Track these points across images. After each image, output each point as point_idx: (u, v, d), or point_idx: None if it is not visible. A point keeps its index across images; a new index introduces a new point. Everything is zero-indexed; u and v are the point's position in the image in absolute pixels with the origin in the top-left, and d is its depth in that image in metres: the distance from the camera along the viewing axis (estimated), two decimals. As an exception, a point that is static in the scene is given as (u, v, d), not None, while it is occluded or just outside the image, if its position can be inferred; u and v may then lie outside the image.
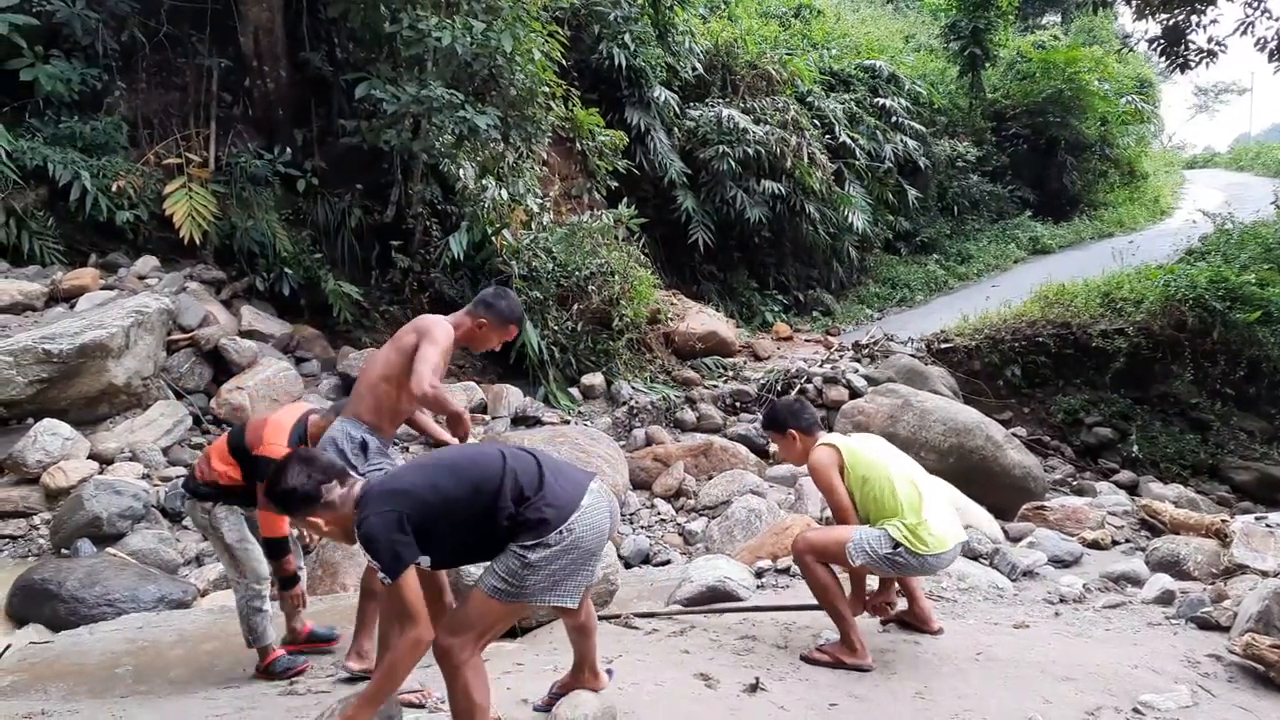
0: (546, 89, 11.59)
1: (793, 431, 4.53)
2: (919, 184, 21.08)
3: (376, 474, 3.83)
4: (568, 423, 9.98)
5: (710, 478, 8.86)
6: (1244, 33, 15.12)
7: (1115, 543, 7.16)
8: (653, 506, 8.61)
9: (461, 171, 11.16)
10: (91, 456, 7.65)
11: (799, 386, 11.56)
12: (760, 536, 6.50)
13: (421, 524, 3.07)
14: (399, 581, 3.01)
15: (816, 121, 18.47)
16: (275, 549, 4.73)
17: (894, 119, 20.78)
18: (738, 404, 11.47)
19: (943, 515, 4.29)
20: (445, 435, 4.81)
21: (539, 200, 12.28)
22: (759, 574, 5.80)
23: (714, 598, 5.34)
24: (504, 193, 11.55)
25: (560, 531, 3.16)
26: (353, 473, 3.38)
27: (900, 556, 4.16)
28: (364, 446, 4.23)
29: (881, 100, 20.87)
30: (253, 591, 4.73)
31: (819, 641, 4.50)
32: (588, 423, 10.40)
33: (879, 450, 4.47)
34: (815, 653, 4.32)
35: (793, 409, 4.62)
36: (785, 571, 5.89)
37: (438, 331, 4.20)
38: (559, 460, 3.47)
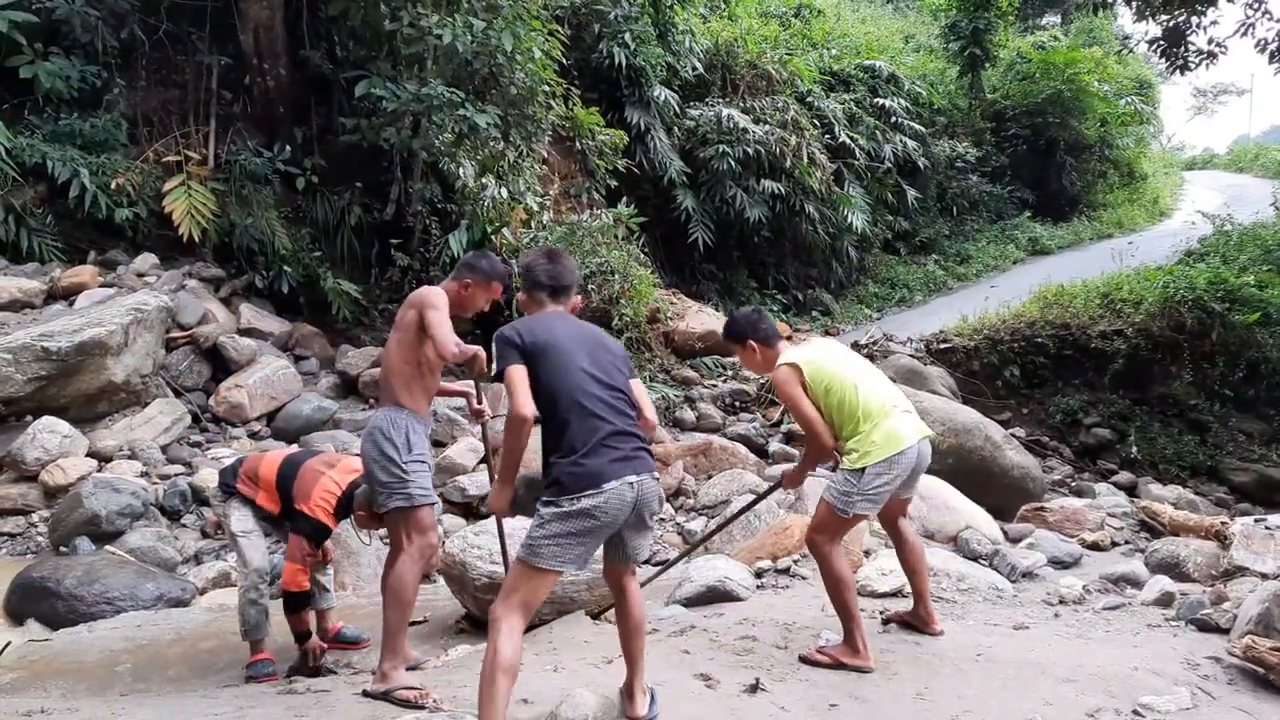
0: (546, 88, 11.58)
1: (752, 342, 4.61)
2: (918, 184, 21.07)
3: (419, 468, 4.23)
4: (567, 422, 9.96)
5: (709, 477, 8.84)
6: (1244, 34, 15.11)
7: (1115, 544, 7.17)
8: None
9: (461, 170, 11.14)
10: (90, 454, 7.64)
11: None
12: (760, 536, 6.49)
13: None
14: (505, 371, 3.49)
15: (816, 121, 18.46)
16: (292, 603, 4.88)
17: (894, 119, 20.77)
18: (737, 403, 11.46)
19: (902, 414, 4.45)
20: (455, 387, 5.38)
21: (539, 199, 12.26)
22: (759, 574, 5.80)
23: (713, 597, 5.34)
24: (504, 191, 11.53)
25: (574, 498, 3.33)
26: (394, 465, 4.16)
27: (875, 474, 4.26)
28: (407, 440, 4.25)
29: (881, 100, 20.87)
30: (249, 583, 4.83)
31: (820, 642, 4.49)
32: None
33: (837, 359, 4.53)
34: (815, 654, 4.32)
35: (751, 319, 4.69)
36: (785, 572, 5.89)
37: (433, 297, 4.23)
38: (628, 439, 3.50)
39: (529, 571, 3.37)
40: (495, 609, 3.36)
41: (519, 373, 3.46)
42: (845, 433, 4.38)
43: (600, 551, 3.66)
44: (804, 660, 4.30)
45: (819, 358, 4.49)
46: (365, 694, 3.97)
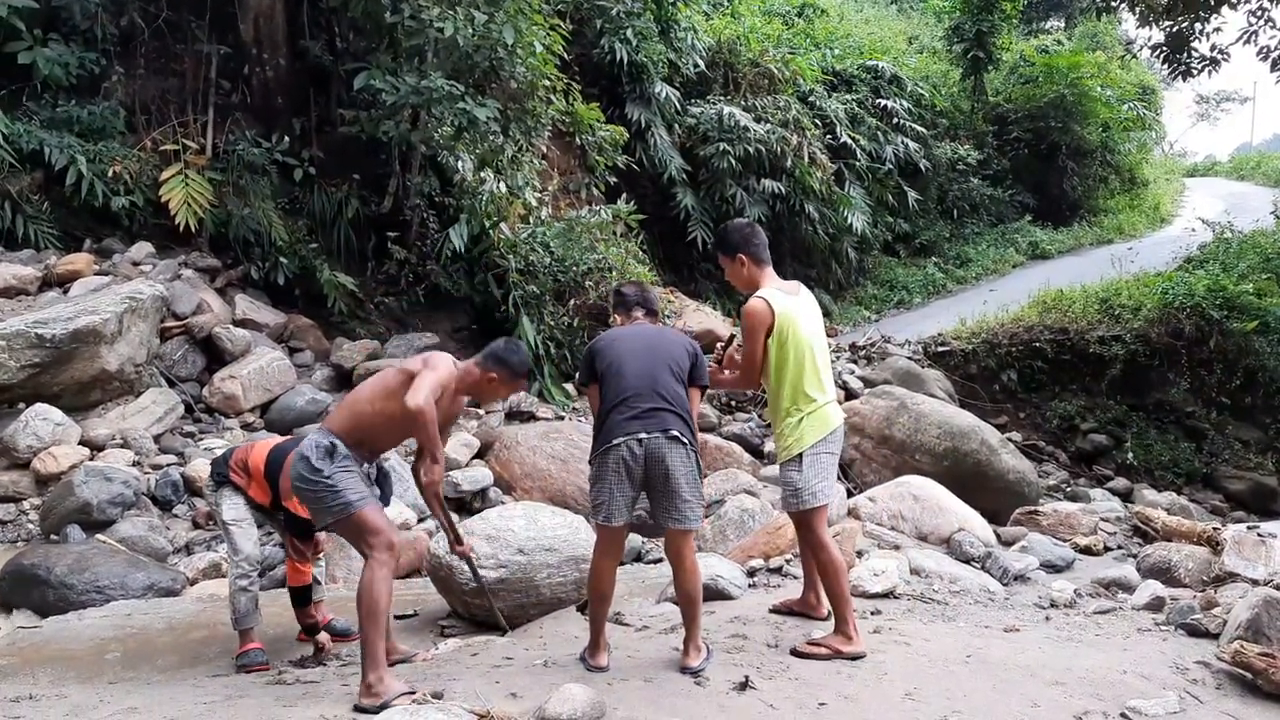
0: (547, 83, 11.54)
1: (742, 256, 4.60)
2: (919, 186, 21.05)
3: (346, 475, 4.05)
4: (562, 419, 9.95)
5: (705, 475, 8.84)
6: (1247, 41, 15.11)
7: (1107, 549, 7.17)
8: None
9: (460, 164, 11.12)
10: (83, 443, 7.61)
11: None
12: (753, 536, 6.49)
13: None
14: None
15: (818, 121, 18.44)
16: (295, 598, 5.04)
17: (895, 120, 20.75)
18: (733, 403, 11.45)
19: (834, 405, 4.62)
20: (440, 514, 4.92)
21: (537, 194, 12.24)
22: (751, 573, 5.79)
23: (705, 595, 5.30)
24: (502, 186, 11.50)
25: (598, 454, 4.09)
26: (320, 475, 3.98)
27: (813, 458, 4.42)
28: (331, 451, 4.07)
29: (883, 101, 20.84)
30: (240, 570, 4.87)
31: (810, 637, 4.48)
32: (582, 419, 10.37)
33: (807, 324, 4.54)
34: (808, 646, 4.32)
35: (744, 233, 4.67)
36: (777, 571, 5.88)
37: (442, 363, 4.16)
38: (656, 398, 4.09)
39: (596, 528, 4.30)
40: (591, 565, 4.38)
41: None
42: (783, 402, 4.48)
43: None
44: (796, 654, 4.29)
45: (794, 313, 4.49)
46: (358, 709, 3.79)
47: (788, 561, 5.97)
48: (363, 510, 3.99)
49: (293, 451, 4.23)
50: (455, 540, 4.91)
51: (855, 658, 4.25)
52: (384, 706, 3.65)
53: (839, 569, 4.41)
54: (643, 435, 4.02)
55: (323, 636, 5.08)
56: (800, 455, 4.42)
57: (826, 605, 4.77)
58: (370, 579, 3.92)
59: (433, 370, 4.07)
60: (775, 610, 4.94)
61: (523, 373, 4.46)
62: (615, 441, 4.03)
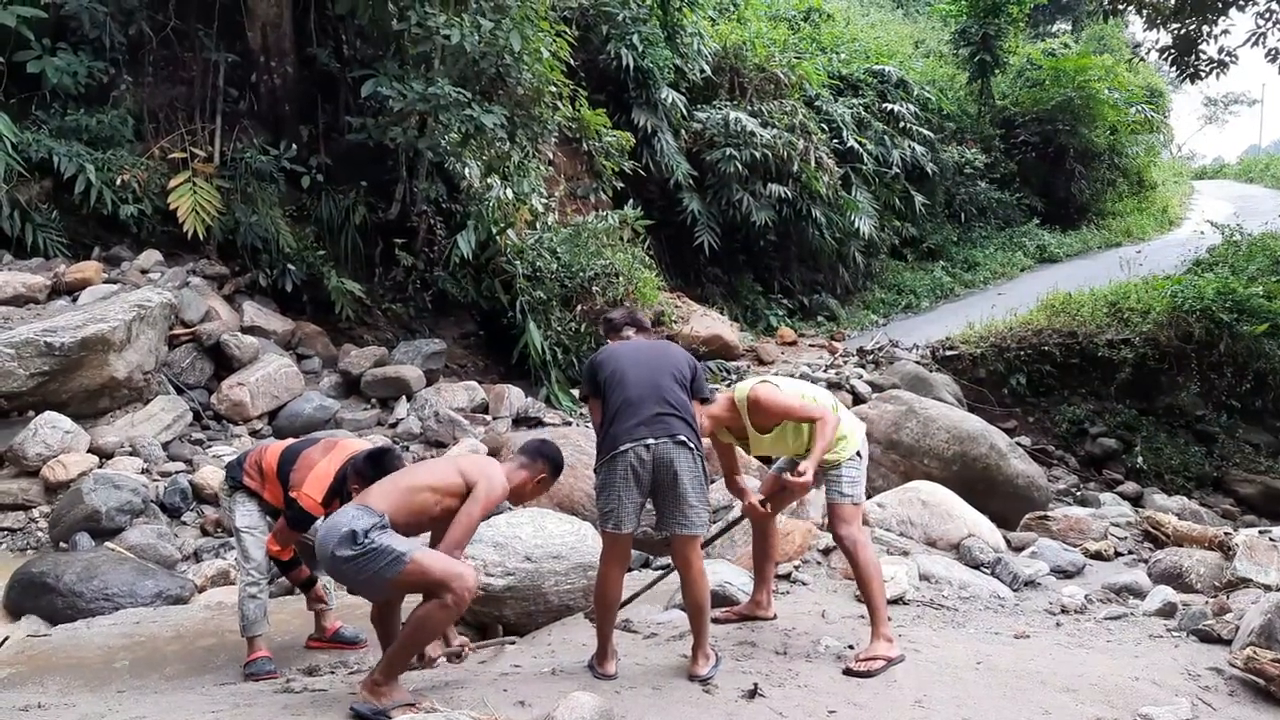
0: (554, 88, 11.56)
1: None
2: (926, 190, 21.01)
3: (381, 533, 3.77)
4: (569, 424, 9.95)
5: (712, 481, 8.82)
6: (1255, 44, 15.04)
7: (1118, 554, 7.11)
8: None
9: (467, 170, 11.13)
10: (91, 450, 7.64)
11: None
12: (761, 541, 6.45)
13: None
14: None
15: (824, 126, 18.43)
16: (284, 566, 5.05)
17: (902, 124, 20.72)
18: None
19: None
20: None
21: (544, 200, 12.25)
22: (759, 579, 5.76)
23: (714, 602, 5.29)
24: (509, 192, 11.52)
25: (606, 461, 4.09)
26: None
27: (863, 457, 4.69)
28: (356, 519, 3.79)
29: (890, 105, 20.82)
30: (250, 578, 4.87)
31: (819, 648, 4.47)
32: (589, 425, 10.36)
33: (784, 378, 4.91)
34: (861, 663, 4.20)
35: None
36: (785, 577, 5.86)
37: (499, 489, 4.03)
38: (662, 404, 4.12)
39: (600, 532, 4.32)
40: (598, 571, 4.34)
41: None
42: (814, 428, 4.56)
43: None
44: (851, 673, 4.17)
45: (772, 377, 4.87)
46: (354, 711, 3.75)
47: (796, 568, 5.95)
48: (414, 561, 3.70)
49: (332, 525, 3.87)
50: None
51: (901, 661, 4.28)
52: (380, 713, 3.66)
53: (878, 570, 4.50)
54: (650, 441, 4.03)
55: (318, 588, 5.15)
56: (857, 452, 4.62)
57: (773, 608, 4.97)
58: (430, 613, 3.74)
59: (490, 485, 3.96)
60: (718, 620, 4.82)
61: (563, 465, 4.39)
62: (623, 448, 4.03)
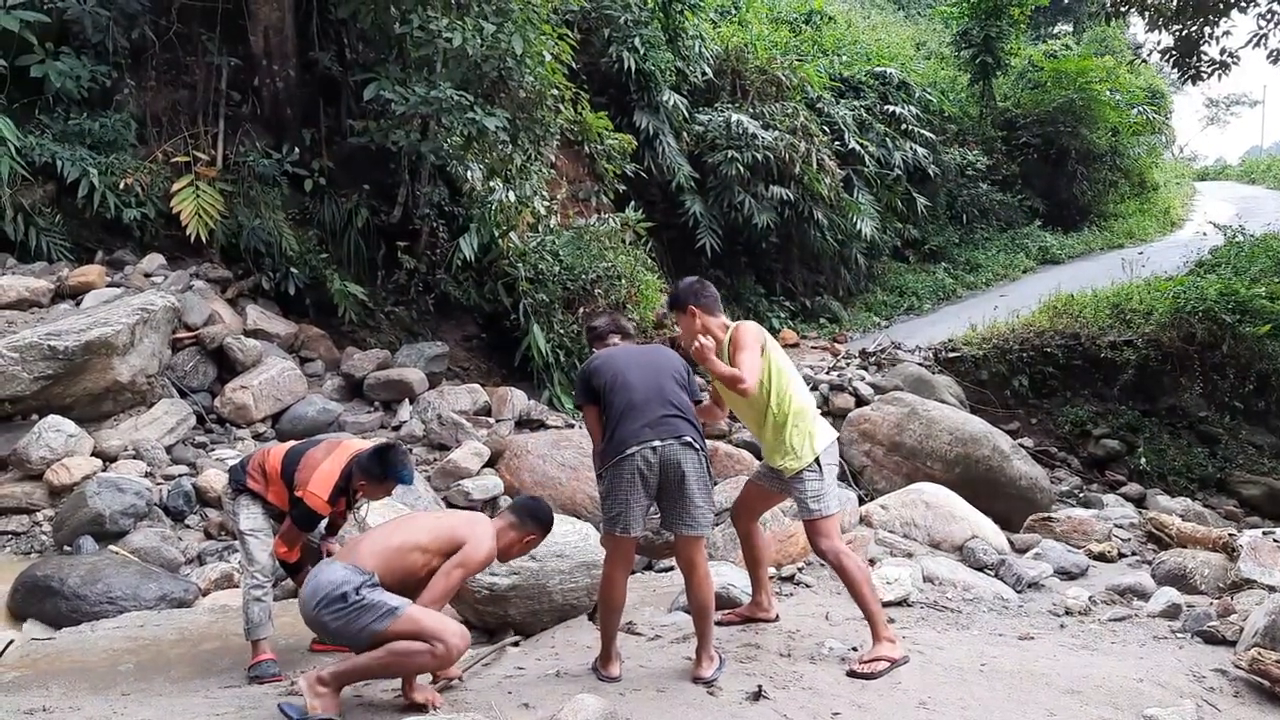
0: (556, 91, 11.57)
1: (694, 309, 4.64)
2: (928, 192, 21.00)
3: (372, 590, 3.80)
4: (571, 426, 9.95)
5: (715, 483, 8.83)
6: (1257, 45, 15.05)
7: (1121, 555, 7.12)
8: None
9: (469, 173, 11.14)
10: (95, 454, 7.64)
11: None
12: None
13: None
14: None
15: (826, 128, 18.41)
16: (290, 569, 5.09)
17: (904, 126, 20.71)
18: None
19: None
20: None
21: (546, 203, 12.26)
22: (762, 581, 5.76)
23: (718, 604, 5.30)
24: (511, 195, 11.51)
25: (612, 465, 4.07)
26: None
27: (827, 464, 4.55)
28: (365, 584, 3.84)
29: (891, 107, 20.81)
30: (254, 581, 4.88)
31: (823, 650, 4.47)
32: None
33: (784, 354, 4.73)
34: (864, 665, 4.22)
35: (694, 287, 4.74)
36: (789, 579, 5.87)
37: (482, 552, 4.03)
38: (666, 406, 4.14)
39: (605, 538, 4.27)
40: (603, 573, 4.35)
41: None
42: (788, 409, 4.51)
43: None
44: (855, 675, 4.18)
45: (773, 344, 4.63)
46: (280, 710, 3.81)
47: (800, 570, 5.95)
48: (402, 621, 3.72)
49: (319, 584, 3.85)
50: None
51: (905, 662, 4.27)
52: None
53: (864, 575, 4.46)
54: (656, 443, 4.04)
55: None
56: (817, 460, 4.48)
57: (775, 609, 4.97)
58: (415, 652, 3.72)
59: (477, 546, 3.98)
60: (721, 623, 4.81)
61: (552, 526, 4.41)
62: (629, 451, 4.03)
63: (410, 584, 3.93)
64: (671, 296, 4.83)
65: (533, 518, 4.30)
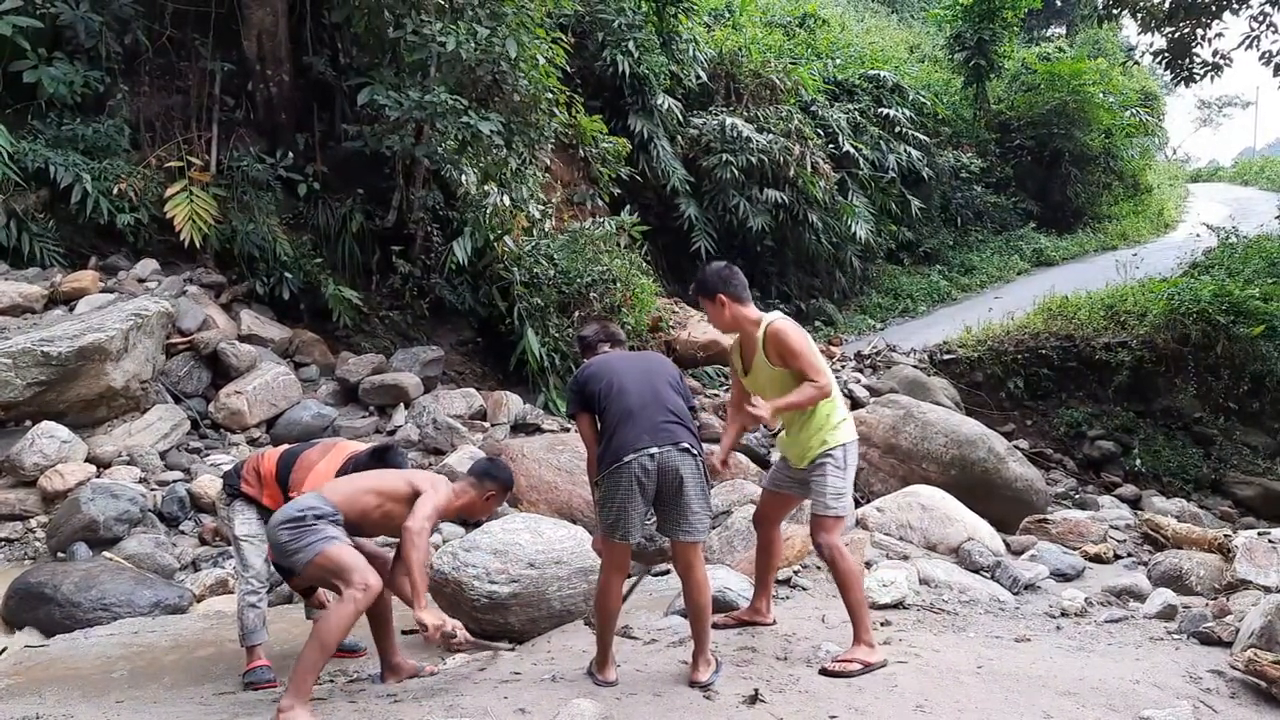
0: (550, 95, 11.56)
1: (723, 297, 4.52)
2: (922, 194, 21.04)
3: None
4: (567, 430, 9.93)
5: (711, 487, 8.81)
6: (1249, 47, 15.13)
7: (1117, 557, 7.12)
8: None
9: (464, 177, 11.13)
10: (89, 460, 7.61)
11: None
12: (760, 547, 6.44)
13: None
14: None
15: (820, 131, 18.46)
16: (286, 574, 4.87)
17: (898, 129, 20.76)
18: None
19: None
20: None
21: (541, 207, 12.25)
22: (758, 584, 5.75)
23: (715, 608, 5.28)
24: (506, 199, 11.51)
25: (609, 472, 4.03)
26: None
27: (853, 459, 4.54)
28: (325, 515, 4.08)
29: (885, 110, 20.85)
30: (249, 586, 4.86)
31: (819, 653, 4.46)
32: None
33: None
34: (837, 664, 4.23)
35: (723, 274, 4.58)
36: (785, 582, 5.84)
37: (443, 490, 4.28)
38: (663, 412, 4.12)
39: (603, 542, 4.20)
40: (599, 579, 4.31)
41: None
42: (823, 407, 4.46)
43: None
44: (827, 673, 4.20)
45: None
46: None
47: (796, 573, 5.93)
48: (334, 548, 3.94)
49: (289, 505, 4.18)
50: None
51: (881, 666, 4.23)
52: None
53: (858, 577, 4.46)
54: (654, 450, 4.01)
55: (317, 594, 5.10)
56: (844, 446, 4.47)
57: (773, 613, 4.95)
58: (337, 615, 3.92)
59: (435, 494, 4.19)
60: (718, 626, 4.75)
61: (511, 482, 4.59)
62: (627, 458, 3.99)
63: (363, 525, 4.21)
64: (698, 283, 4.65)
65: (490, 476, 4.46)
